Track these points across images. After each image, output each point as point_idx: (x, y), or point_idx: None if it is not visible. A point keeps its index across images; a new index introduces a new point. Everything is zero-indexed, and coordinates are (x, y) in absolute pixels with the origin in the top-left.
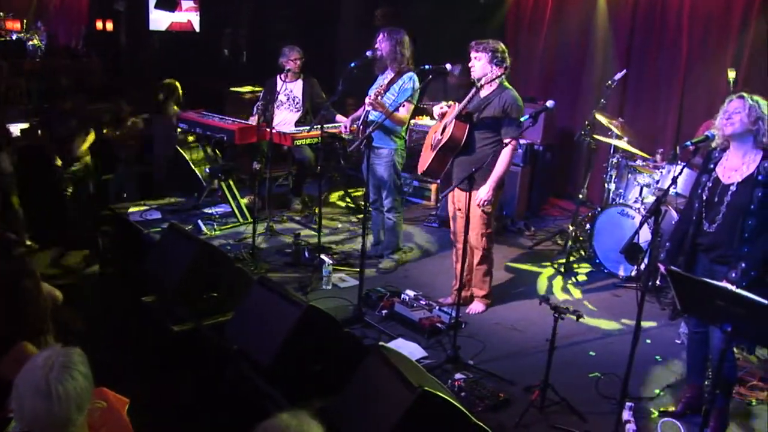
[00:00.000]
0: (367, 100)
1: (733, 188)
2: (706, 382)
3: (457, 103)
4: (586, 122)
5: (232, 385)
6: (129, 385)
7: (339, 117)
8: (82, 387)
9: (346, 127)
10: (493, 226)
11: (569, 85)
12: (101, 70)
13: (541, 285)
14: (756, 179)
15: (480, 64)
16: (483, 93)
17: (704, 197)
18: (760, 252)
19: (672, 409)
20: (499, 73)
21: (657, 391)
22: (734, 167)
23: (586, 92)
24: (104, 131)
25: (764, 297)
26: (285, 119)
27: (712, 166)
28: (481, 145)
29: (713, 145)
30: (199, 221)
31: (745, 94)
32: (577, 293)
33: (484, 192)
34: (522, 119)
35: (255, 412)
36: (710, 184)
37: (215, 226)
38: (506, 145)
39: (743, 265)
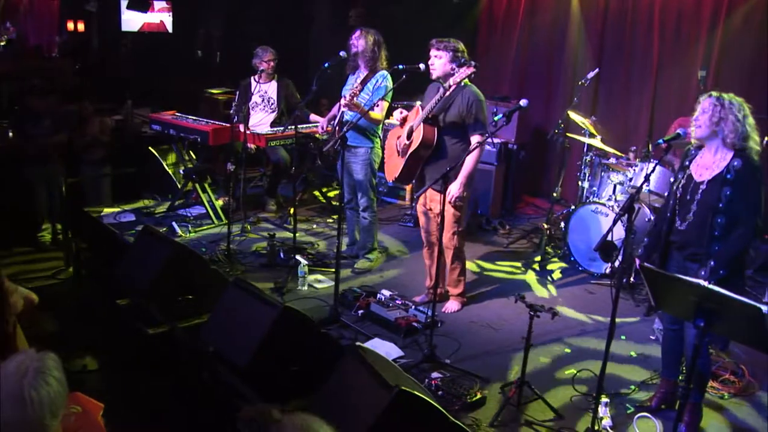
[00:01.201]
0: (342, 102)
1: (703, 186)
2: (680, 378)
3: (420, 106)
4: (560, 121)
5: (209, 387)
6: (104, 389)
7: (313, 116)
8: (56, 392)
9: (322, 128)
10: (464, 224)
11: (542, 84)
12: (73, 72)
13: (516, 283)
14: (725, 178)
15: (440, 63)
16: (445, 94)
17: (678, 194)
18: (729, 251)
19: (647, 404)
20: (468, 72)
21: (632, 386)
22: (706, 165)
23: (559, 91)
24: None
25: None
26: (260, 120)
27: (687, 163)
28: (451, 145)
29: (693, 143)
30: (174, 223)
31: (714, 93)
32: (552, 291)
33: (455, 188)
34: (496, 118)
35: (232, 414)
36: (684, 182)
37: (190, 228)
38: (476, 143)
39: (712, 263)
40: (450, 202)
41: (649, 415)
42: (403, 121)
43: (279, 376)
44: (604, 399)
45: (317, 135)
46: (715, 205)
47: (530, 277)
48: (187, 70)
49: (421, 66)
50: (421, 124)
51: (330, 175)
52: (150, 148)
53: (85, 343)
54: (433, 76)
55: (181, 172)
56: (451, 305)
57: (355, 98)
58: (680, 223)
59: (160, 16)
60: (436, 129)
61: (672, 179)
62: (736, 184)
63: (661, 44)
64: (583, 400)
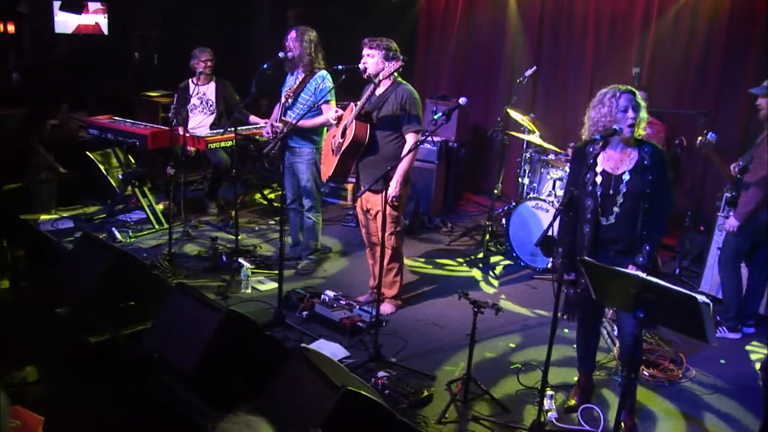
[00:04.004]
0: (280, 126)
1: (626, 177)
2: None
3: (354, 104)
4: (499, 118)
5: (154, 394)
6: (44, 401)
7: (253, 118)
8: (1, 403)
9: (267, 132)
10: (402, 224)
11: (481, 82)
12: (6, 75)
13: (460, 280)
14: (644, 164)
15: (373, 61)
16: (379, 91)
17: (598, 193)
18: (660, 231)
19: (572, 403)
20: (397, 66)
21: (575, 378)
22: (620, 158)
23: (498, 89)
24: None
25: None
26: (199, 123)
27: (591, 161)
28: (385, 143)
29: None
30: (114, 229)
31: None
32: (495, 287)
33: (391, 188)
34: (436, 117)
35: (178, 421)
36: (602, 179)
37: (130, 234)
38: (414, 143)
39: (647, 248)
40: (387, 203)
41: (593, 406)
42: (339, 119)
43: (224, 381)
44: (549, 392)
45: (257, 137)
46: (643, 192)
47: (473, 273)
48: (123, 73)
49: (361, 66)
50: (354, 121)
51: (271, 176)
52: (87, 152)
53: (23, 355)
54: (366, 75)
55: (120, 176)
56: (385, 307)
57: (290, 98)
58: (606, 219)
59: (95, 18)
60: (368, 126)
61: (568, 179)
62: (655, 168)
63: (596, 42)
64: (528, 394)
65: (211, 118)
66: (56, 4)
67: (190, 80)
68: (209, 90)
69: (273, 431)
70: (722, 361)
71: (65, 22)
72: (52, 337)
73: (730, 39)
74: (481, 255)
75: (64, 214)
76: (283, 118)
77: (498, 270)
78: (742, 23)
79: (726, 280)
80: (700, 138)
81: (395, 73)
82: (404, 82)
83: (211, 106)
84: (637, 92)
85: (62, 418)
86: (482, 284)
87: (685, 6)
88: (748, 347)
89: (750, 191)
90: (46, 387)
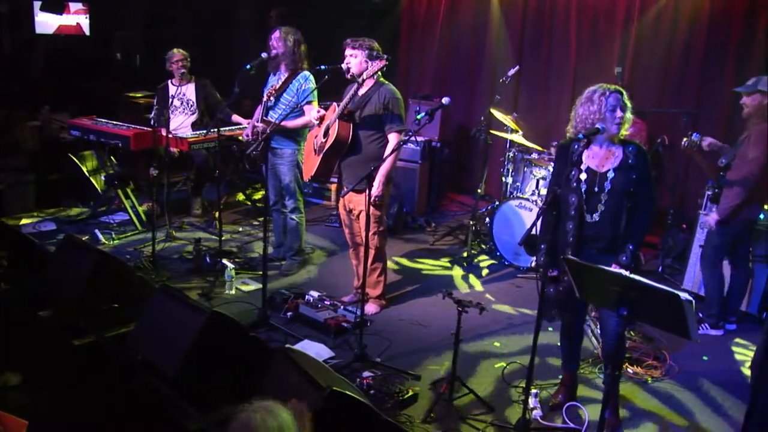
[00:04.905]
0: (261, 126)
1: (611, 174)
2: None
3: (336, 104)
4: (482, 118)
5: (139, 396)
6: (28, 405)
7: (236, 117)
8: None
9: (247, 135)
10: (385, 224)
11: (464, 82)
12: None
13: (444, 279)
14: (629, 164)
15: (356, 61)
16: (361, 91)
17: (583, 190)
18: (643, 230)
19: (555, 401)
20: (380, 66)
21: (560, 376)
22: (604, 156)
23: (481, 88)
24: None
25: None
26: (181, 123)
27: (576, 158)
28: (367, 143)
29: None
30: (97, 231)
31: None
32: (479, 286)
33: (374, 188)
34: (419, 117)
35: (163, 423)
36: (587, 176)
37: (113, 235)
38: (397, 143)
39: (630, 246)
40: (370, 202)
41: (577, 404)
42: (321, 119)
43: (209, 382)
44: (534, 390)
45: (240, 137)
46: (627, 190)
47: (457, 273)
48: (106, 74)
49: (344, 66)
50: (337, 120)
51: (254, 177)
52: (69, 154)
53: (6, 358)
54: (349, 75)
55: (103, 178)
56: (369, 307)
57: (272, 97)
58: (590, 216)
59: (77, 18)
60: (351, 126)
61: (552, 177)
62: (638, 168)
63: (578, 42)
64: (513, 392)
65: (193, 118)
66: (36, 5)
67: (169, 81)
68: (189, 90)
69: (291, 415)
70: (705, 358)
71: (46, 22)
72: (35, 340)
73: (710, 39)
74: (465, 254)
75: (47, 216)
76: (264, 118)
77: (482, 269)
78: (721, 24)
79: (708, 278)
80: (684, 139)
81: (378, 73)
82: (387, 82)
83: (192, 106)
84: (624, 92)
85: (46, 422)
86: (466, 283)
87: (666, 6)
88: (730, 343)
89: (733, 189)
90: (30, 391)
